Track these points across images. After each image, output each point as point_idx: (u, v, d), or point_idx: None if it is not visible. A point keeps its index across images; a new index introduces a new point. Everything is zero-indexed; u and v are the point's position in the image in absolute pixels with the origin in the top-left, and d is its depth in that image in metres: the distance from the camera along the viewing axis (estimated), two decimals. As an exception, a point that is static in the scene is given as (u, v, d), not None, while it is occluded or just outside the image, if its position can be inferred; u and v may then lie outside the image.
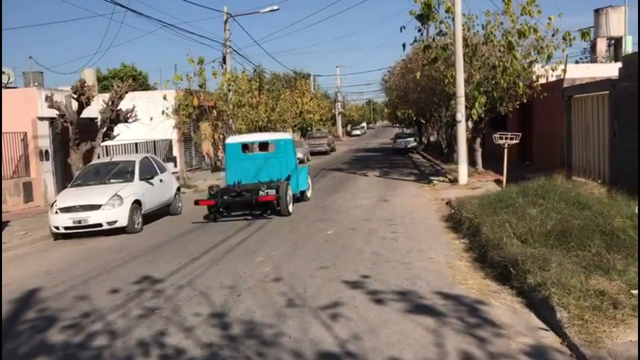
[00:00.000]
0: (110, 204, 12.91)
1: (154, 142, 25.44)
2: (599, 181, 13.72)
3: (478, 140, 21.07)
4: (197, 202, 14.61)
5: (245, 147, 16.71)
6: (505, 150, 16.03)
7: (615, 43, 33.74)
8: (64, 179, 19.01)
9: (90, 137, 17.28)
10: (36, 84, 25.92)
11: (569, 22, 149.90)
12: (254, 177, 15.39)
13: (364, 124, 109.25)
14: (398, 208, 14.32)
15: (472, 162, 19.95)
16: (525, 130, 20.18)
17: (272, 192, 14.10)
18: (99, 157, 17.61)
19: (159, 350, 5.63)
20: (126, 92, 18.04)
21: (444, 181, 19.19)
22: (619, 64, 14.81)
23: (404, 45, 20.21)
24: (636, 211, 8.37)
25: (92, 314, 6.99)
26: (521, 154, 21.79)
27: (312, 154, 40.59)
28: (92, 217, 12.80)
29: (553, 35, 17.87)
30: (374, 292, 7.01)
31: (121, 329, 6.31)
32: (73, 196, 13.36)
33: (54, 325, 6.66)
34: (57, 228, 13.02)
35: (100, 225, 12.84)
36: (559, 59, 19.54)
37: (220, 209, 14.28)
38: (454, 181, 18.21)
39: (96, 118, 18.84)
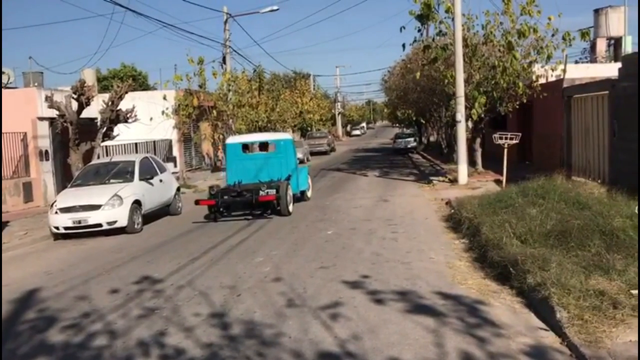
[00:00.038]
0: (110, 204, 12.91)
1: (154, 142, 25.45)
2: (599, 181, 13.72)
3: (478, 140, 21.08)
4: (197, 202, 14.63)
5: (245, 147, 16.72)
6: (505, 150, 16.03)
7: (615, 43, 33.77)
8: (64, 179, 19.01)
9: (90, 137, 17.28)
10: (36, 84, 25.94)
11: (568, 22, 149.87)
12: (255, 177, 15.40)
13: (364, 124, 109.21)
14: (398, 208, 14.32)
15: (472, 162, 19.96)
16: (525, 130, 20.18)
17: (273, 192, 14.11)
18: (98, 157, 17.61)
19: (158, 351, 5.63)
20: (126, 92, 18.04)
21: (443, 181, 19.19)
22: (619, 64, 14.81)
23: (403, 46, 20.18)
24: (636, 211, 8.37)
25: (92, 314, 6.99)
26: (521, 154, 21.80)
27: (312, 154, 40.61)
28: (92, 217, 12.80)
29: (553, 35, 17.89)
30: (374, 292, 7.01)
31: (121, 329, 6.31)
32: (73, 196, 13.36)
33: (54, 325, 6.66)
34: (57, 228, 13.02)
35: (100, 225, 12.84)
36: (559, 59, 19.56)
37: (221, 209, 14.30)
38: (454, 181, 18.22)
39: (96, 118, 18.83)
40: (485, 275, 7.41)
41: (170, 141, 27.60)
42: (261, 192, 14.04)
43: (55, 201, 13.55)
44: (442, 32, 18.18)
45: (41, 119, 19.36)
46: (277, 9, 32.02)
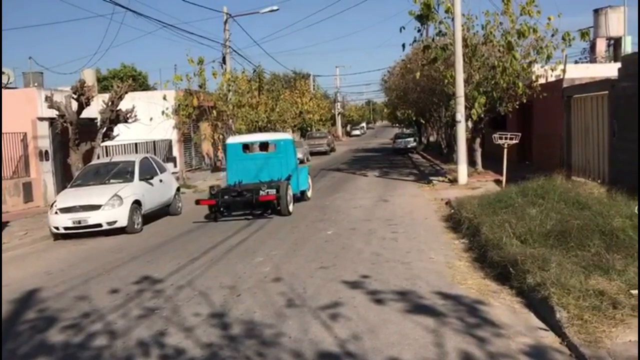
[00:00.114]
0: (110, 204, 12.92)
1: (154, 142, 25.43)
2: (599, 181, 13.73)
3: (478, 140, 21.08)
4: (198, 202, 14.65)
5: (245, 147, 16.73)
6: (505, 150, 16.04)
7: (615, 43, 33.78)
8: (64, 179, 19.01)
9: (90, 138, 17.28)
10: (36, 84, 25.93)
11: (568, 22, 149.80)
12: (255, 177, 15.42)
13: (364, 124, 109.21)
14: (398, 208, 14.32)
15: (471, 162, 19.96)
16: (525, 130, 20.19)
17: (273, 191, 14.12)
18: (98, 158, 17.61)
19: (158, 351, 5.63)
20: (126, 93, 18.04)
21: (443, 181, 19.19)
22: (619, 64, 14.81)
23: (403, 46, 20.18)
24: (636, 211, 8.37)
25: (92, 314, 6.99)
26: (521, 154, 21.80)
27: (312, 154, 40.62)
28: (92, 218, 12.80)
29: (552, 35, 17.91)
30: (374, 292, 7.01)
31: (121, 329, 6.31)
32: (73, 196, 13.36)
33: (54, 326, 6.66)
34: (57, 228, 13.03)
35: (100, 225, 12.85)
36: (559, 59, 19.58)
37: (221, 209, 14.31)
38: (454, 181, 18.22)
39: (96, 118, 18.83)
40: (485, 275, 7.41)
41: (170, 141, 27.60)
42: (261, 192, 14.05)
43: (55, 201, 13.55)
44: (441, 32, 18.18)
45: (41, 119, 19.36)
46: (277, 9, 32.09)
